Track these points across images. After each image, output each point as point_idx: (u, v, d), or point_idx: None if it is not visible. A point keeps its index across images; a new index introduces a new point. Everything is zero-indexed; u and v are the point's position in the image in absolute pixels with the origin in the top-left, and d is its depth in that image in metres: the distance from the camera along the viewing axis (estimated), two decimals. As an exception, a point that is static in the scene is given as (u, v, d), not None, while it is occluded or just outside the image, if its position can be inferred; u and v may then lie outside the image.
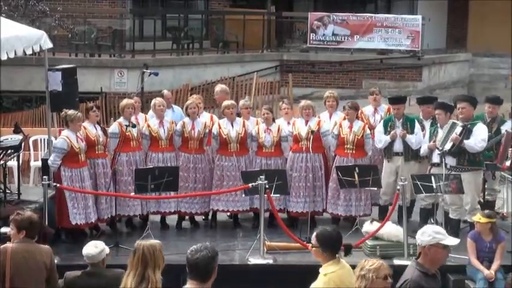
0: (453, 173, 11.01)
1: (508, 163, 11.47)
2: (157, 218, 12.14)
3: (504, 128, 12.11)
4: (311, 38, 23.64)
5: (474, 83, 24.89)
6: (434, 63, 24.04)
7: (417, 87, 22.96)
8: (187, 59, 22.19)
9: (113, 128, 11.88)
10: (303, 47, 24.34)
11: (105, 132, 11.63)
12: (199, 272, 5.39)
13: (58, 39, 19.30)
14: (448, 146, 11.15)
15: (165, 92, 13.63)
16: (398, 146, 11.94)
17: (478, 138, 11.12)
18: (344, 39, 23.38)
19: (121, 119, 11.88)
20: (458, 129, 11.13)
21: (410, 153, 11.93)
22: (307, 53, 23.96)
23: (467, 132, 11.11)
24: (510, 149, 11.26)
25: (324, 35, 23.47)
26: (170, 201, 11.87)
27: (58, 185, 10.93)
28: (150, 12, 24.19)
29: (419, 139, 11.82)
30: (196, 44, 23.22)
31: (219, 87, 13.42)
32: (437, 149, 11.29)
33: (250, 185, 10.79)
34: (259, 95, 21.47)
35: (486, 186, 12.27)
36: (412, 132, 11.89)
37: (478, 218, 10.06)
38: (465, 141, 11.09)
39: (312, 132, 11.73)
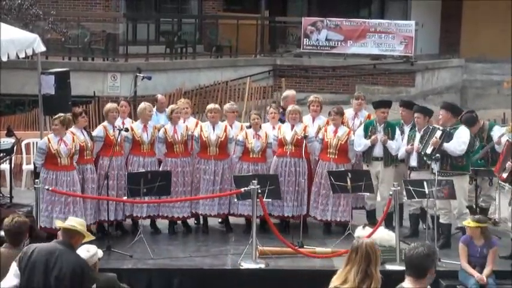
0: (439, 177, 11.01)
1: (504, 175, 11.47)
2: (149, 221, 12.12)
3: (495, 134, 12.12)
4: (304, 43, 23.66)
5: (467, 89, 24.95)
6: (427, 69, 24.08)
7: (410, 93, 22.98)
8: (181, 63, 22.18)
9: (98, 131, 11.83)
10: (296, 51, 24.35)
11: (91, 137, 11.58)
12: (413, 269, 5.51)
13: (51, 42, 19.26)
14: (429, 150, 11.18)
15: (159, 96, 13.64)
16: (378, 151, 11.96)
17: (459, 141, 11.13)
18: (337, 44, 23.41)
19: (106, 123, 11.86)
20: (438, 133, 11.17)
21: (390, 159, 11.95)
22: (301, 57, 23.97)
23: (447, 136, 11.14)
24: (509, 162, 11.24)
25: (317, 40, 23.49)
26: (156, 205, 11.85)
27: (50, 188, 10.90)
28: (144, 16, 24.20)
29: (399, 145, 11.86)
30: (190, 48, 23.21)
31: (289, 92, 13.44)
32: (421, 154, 11.31)
33: (242, 189, 10.79)
34: (252, 99, 21.48)
35: (482, 192, 12.28)
36: (392, 138, 11.92)
37: (468, 222, 10.14)
38: (445, 144, 11.11)
39: (305, 137, 11.72)
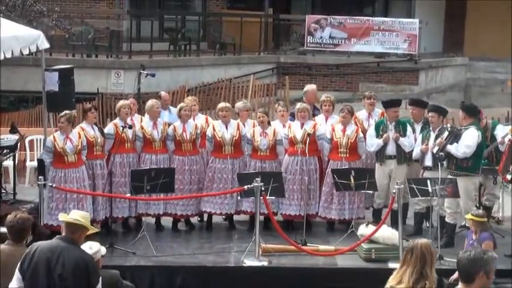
0: (449, 176, 11.02)
1: (509, 177, 11.45)
2: (153, 219, 12.13)
3: (498, 133, 12.08)
4: (308, 41, 23.65)
5: (470, 87, 24.92)
6: (431, 67, 24.06)
7: (414, 91, 22.96)
8: (184, 60, 22.17)
9: (108, 128, 11.88)
10: (300, 49, 24.33)
11: (102, 133, 11.62)
12: (460, 272, 5.60)
13: (55, 39, 19.27)
14: (435, 149, 11.20)
15: (163, 93, 13.63)
16: (391, 149, 11.93)
17: (463, 143, 11.10)
18: (341, 42, 23.39)
19: (117, 120, 11.89)
20: (445, 133, 11.17)
21: (403, 156, 11.93)
22: (304, 55, 23.95)
23: (453, 137, 11.12)
24: None
25: (321, 37, 23.47)
26: (164, 202, 11.86)
27: (54, 185, 10.91)
28: (148, 13, 24.18)
29: (411, 142, 11.85)
30: (194, 46, 23.17)
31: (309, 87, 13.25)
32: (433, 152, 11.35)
33: (245, 187, 10.79)
34: (256, 97, 21.48)
35: (486, 191, 12.26)
36: (404, 135, 11.90)
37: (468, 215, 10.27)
38: (448, 146, 11.11)
39: (309, 135, 11.73)
